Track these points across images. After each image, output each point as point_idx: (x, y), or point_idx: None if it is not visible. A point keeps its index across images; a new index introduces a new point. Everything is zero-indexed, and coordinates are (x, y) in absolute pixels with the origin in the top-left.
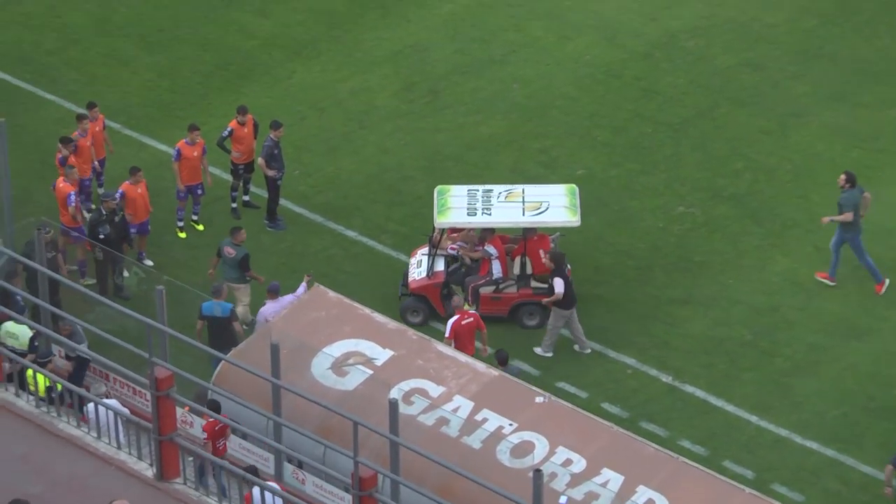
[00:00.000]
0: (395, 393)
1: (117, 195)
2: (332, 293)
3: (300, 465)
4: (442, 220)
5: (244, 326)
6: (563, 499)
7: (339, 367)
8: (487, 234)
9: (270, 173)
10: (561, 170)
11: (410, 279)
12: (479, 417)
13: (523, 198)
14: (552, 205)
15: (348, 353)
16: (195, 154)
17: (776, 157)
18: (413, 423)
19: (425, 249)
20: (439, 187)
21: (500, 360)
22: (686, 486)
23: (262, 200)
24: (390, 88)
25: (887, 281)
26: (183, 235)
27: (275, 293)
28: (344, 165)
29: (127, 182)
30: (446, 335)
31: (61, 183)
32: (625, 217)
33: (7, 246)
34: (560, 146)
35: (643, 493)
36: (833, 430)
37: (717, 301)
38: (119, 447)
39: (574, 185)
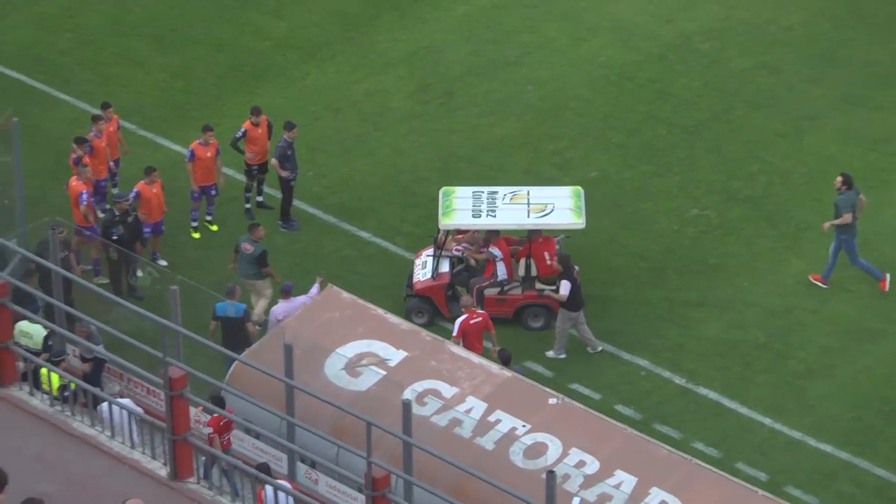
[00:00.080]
0: (408, 394)
1: (131, 195)
2: (345, 294)
3: (313, 464)
4: (447, 221)
5: (257, 327)
6: (576, 500)
7: (352, 367)
8: (492, 235)
9: (284, 174)
10: (575, 171)
11: (415, 280)
12: (492, 418)
13: (528, 200)
14: (557, 207)
15: (361, 353)
16: (209, 155)
17: (791, 160)
18: (426, 423)
19: (430, 251)
20: (444, 189)
21: (504, 360)
22: (699, 489)
23: (275, 201)
24: (405, 90)
25: (888, 275)
26: (197, 236)
27: (287, 293)
28: (358, 167)
29: (142, 182)
30: (454, 334)
31: (74, 181)
32: (638, 219)
33: (20, 246)
34: (574, 148)
35: (656, 494)
36: (847, 433)
37: (731, 303)
38: (133, 446)
39: (579, 188)
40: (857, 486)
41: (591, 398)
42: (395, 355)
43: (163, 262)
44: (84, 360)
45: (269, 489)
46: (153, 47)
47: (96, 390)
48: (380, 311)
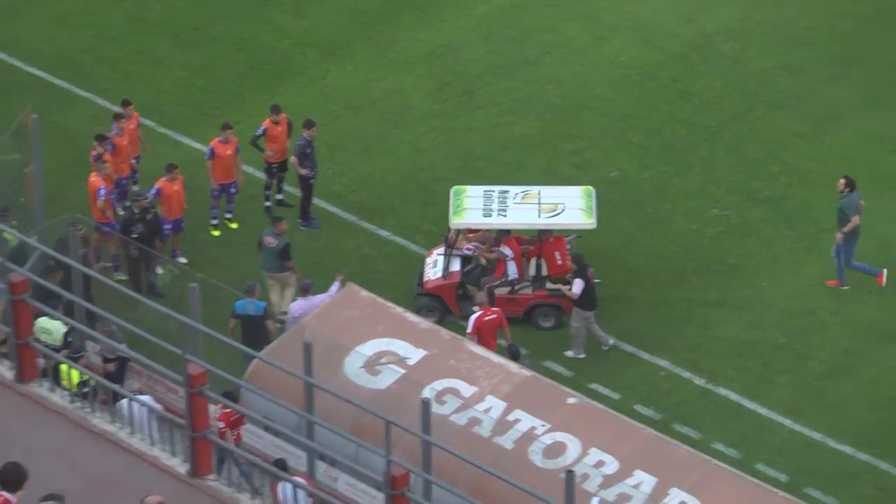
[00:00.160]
0: (427, 392)
1: (151, 193)
2: (364, 292)
3: (333, 462)
4: (457, 220)
5: (277, 325)
6: (595, 500)
7: (371, 366)
8: (503, 234)
9: (303, 172)
10: (594, 171)
11: (426, 279)
12: (511, 418)
13: (539, 199)
14: (568, 207)
15: (381, 352)
16: (228, 153)
17: (811, 161)
18: (445, 422)
19: (441, 249)
20: (455, 188)
21: (513, 355)
22: (719, 489)
23: (295, 199)
24: (424, 88)
25: (885, 270)
26: (216, 233)
27: (306, 291)
28: (378, 165)
29: (163, 179)
30: (469, 330)
31: (93, 177)
32: (658, 219)
33: (40, 242)
34: (594, 147)
35: (676, 495)
36: (868, 435)
37: (750, 304)
38: (152, 443)
39: (591, 188)
40: (878, 488)
41: (610, 398)
42: (414, 354)
43: (183, 260)
44: (107, 360)
45: (284, 485)
46: (174, 45)
47: (116, 387)
48: (399, 309)
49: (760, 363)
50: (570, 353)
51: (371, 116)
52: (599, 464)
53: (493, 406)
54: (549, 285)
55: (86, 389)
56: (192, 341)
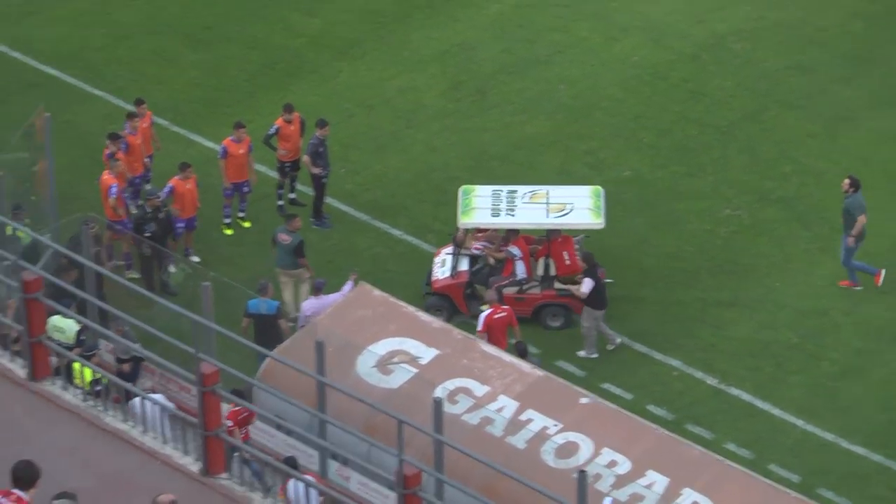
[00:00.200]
0: (439, 392)
1: (163, 192)
2: (377, 291)
3: (345, 462)
4: (466, 220)
5: (290, 324)
6: (607, 500)
7: (383, 365)
8: (512, 234)
9: (315, 171)
10: (607, 171)
11: (434, 278)
12: (523, 417)
13: (547, 199)
14: (576, 207)
15: (393, 351)
16: (241, 152)
17: (824, 161)
18: (457, 422)
19: (449, 249)
20: (464, 187)
21: (520, 352)
22: (731, 490)
23: (308, 198)
24: (437, 87)
25: (883, 271)
26: (229, 232)
27: (318, 290)
28: (391, 164)
29: (177, 177)
30: (479, 328)
31: (105, 175)
32: (671, 219)
33: (53, 241)
34: (606, 147)
35: (688, 495)
36: (880, 435)
37: (763, 304)
38: (165, 441)
39: (599, 187)
40: (891, 489)
41: (622, 398)
42: (426, 353)
43: (195, 259)
44: (120, 360)
45: (292, 483)
46: (187, 45)
47: (129, 385)
48: (411, 308)
49: (773, 363)
50: (582, 353)
51: (384, 115)
52: (612, 464)
53: (506, 406)
54: (557, 285)
55: (98, 388)
56: (205, 340)
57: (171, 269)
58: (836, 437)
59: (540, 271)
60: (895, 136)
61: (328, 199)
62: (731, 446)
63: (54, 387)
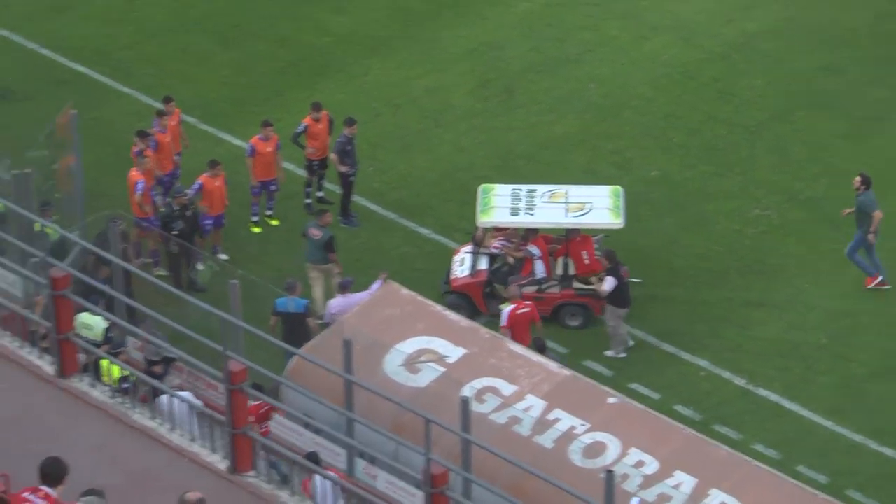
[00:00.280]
0: (466, 391)
1: (192, 190)
2: (404, 290)
3: (372, 460)
4: (485, 219)
5: (318, 322)
6: (634, 500)
7: (411, 364)
8: (531, 233)
9: (342, 169)
10: (635, 171)
11: (453, 277)
12: (550, 417)
13: (567, 198)
14: (595, 206)
15: (420, 350)
16: (269, 150)
17: (854, 162)
18: (485, 421)
19: (469, 247)
20: (483, 186)
21: (539, 348)
22: (759, 490)
23: (335, 197)
24: (465, 87)
25: (880, 277)
26: (257, 230)
27: (345, 289)
28: (418, 163)
29: (206, 174)
30: (503, 324)
31: (132, 171)
32: (699, 220)
33: (81, 238)
34: (634, 147)
35: (715, 496)
36: None
37: (792, 305)
38: (193, 439)
39: (619, 187)
40: None
41: (650, 398)
42: (454, 352)
43: (223, 256)
44: (151, 362)
45: (316, 479)
46: (215, 42)
47: (156, 382)
48: (439, 307)
49: (802, 364)
50: (609, 353)
51: (412, 114)
52: (639, 464)
53: (533, 405)
54: (576, 284)
55: (126, 385)
56: (233, 338)
57: (199, 266)
58: (865, 439)
59: (559, 271)
60: None
61: (356, 198)
62: (759, 447)
63: (82, 384)
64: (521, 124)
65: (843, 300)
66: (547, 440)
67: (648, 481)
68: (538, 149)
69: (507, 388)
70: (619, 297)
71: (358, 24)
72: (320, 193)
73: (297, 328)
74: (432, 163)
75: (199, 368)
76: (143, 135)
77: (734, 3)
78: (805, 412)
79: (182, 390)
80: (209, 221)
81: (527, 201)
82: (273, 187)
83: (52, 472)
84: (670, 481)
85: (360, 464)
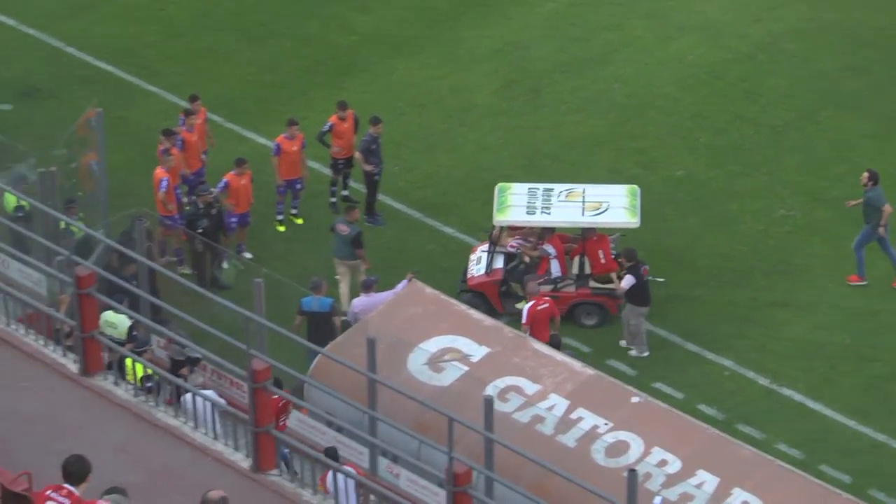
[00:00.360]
0: (490, 390)
1: (217, 188)
2: (428, 289)
3: (395, 459)
4: (501, 217)
5: (342, 318)
6: (657, 499)
7: (434, 363)
8: (547, 232)
9: (367, 168)
10: (661, 170)
11: (469, 275)
12: (574, 416)
13: (583, 198)
14: (612, 205)
15: (444, 349)
16: (294, 149)
17: (879, 162)
18: (508, 420)
19: (485, 246)
20: (500, 184)
21: (555, 345)
22: (782, 490)
23: (361, 196)
24: (490, 86)
25: (865, 281)
26: (282, 229)
27: (369, 287)
28: (443, 162)
29: (232, 172)
30: (523, 321)
31: (157, 169)
32: (724, 219)
33: (105, 236)
34: (660, 146)
35: (738, 495)
36: None
37: (816, 305)
38: (216, 437)
39: (636, 186)
40: None
41: (673, 397)
42: (477, 351)
43: (248, 255)
44: (175, 362)
45: (332, 474)
46: (241, 41)
47: (179, 381)
48: (463, 306)
49: (825, 364)
50: (633, 352)
51: (436, 114)
52: (662, 463)
53: (556, 404)
54: (592, 283)
55: (150, 384)
56: (257, 336)
57: (224, 265)
58: (888, 438)
59: (575, 270)
60: None
61: (381, 197)
62: (782, 446)
63: (106, 382)
64: (547, 124)
65: (867, 300)
66: (570, 439)
67: (671, 480)
68: (563, 148)
69: (531, 387)
70: (638, 295)
71: (383, 23)
72: (345, 192)
73: (322, 327)
74: (457, 162)
75: (223, 367)
76: (168, 133)
77: (760, 4)
78: (828, 412)
79: (205, 389)
80: (234, 219)
81: (543, 200)
82: (298, 186)
83: (76, 471)
84: (693, 480)
85: (383, 462)
